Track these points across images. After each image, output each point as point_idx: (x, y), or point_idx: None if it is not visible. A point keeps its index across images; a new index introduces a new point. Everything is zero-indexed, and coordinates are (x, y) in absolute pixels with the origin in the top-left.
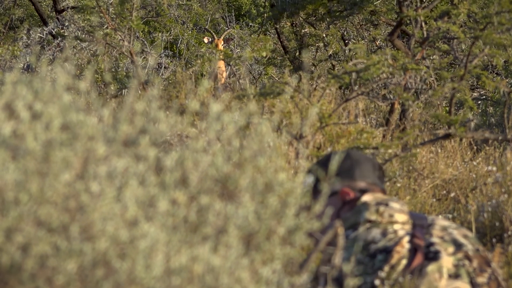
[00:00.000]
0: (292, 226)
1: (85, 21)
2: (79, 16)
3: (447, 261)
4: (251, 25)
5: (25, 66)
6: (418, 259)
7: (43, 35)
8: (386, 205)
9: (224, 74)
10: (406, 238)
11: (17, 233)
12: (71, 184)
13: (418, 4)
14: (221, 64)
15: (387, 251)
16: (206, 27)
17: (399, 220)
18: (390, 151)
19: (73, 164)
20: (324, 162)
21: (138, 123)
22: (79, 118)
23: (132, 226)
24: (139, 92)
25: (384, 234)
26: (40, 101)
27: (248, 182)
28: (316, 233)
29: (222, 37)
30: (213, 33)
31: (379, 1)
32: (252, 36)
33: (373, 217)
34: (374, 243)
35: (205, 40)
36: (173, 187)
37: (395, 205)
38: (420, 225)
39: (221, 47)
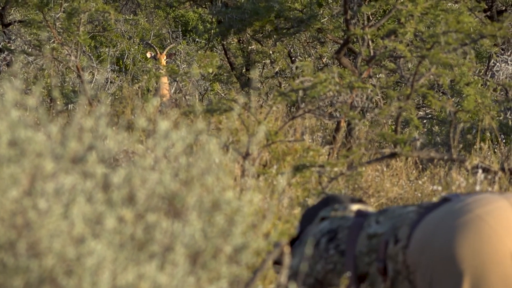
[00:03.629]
0: (239, 244)
1: (32, 35)
2: (26, 30)
3: None
4: (198, 41)
5: None
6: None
7: None
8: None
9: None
10: (352, 214)
11: None
12: (18, 200)
13: (365, 22)
14: (165, 79)
15: (331, 232)
16: (150, 41)
17: (353, 209)
18: (336, 169)
19: (20, 181)
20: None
21: (86, 140)
22: (27, 135)
23: (79, 243)
24: (85, 107)
25: (332, 222)
26: None
27: (195, 200)
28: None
29: (165, 52)
30: (156, 48)
31: (326, 19)
32: (199, 52)
33: (327, 214)
34: (320, 232)
35: (148, 55)
36: (121, 204)
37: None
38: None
39: (164, 62)
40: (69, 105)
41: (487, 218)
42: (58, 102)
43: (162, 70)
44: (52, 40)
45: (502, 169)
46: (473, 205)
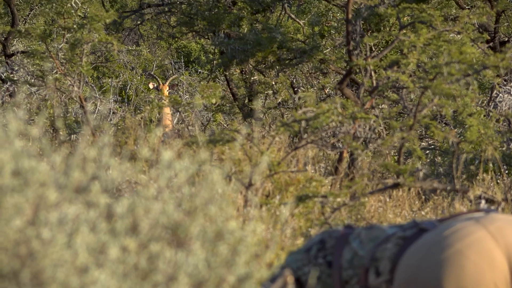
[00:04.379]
0: (242, 274)
1: (35, 66)
2: (29, 60)
3: None
4: (200, 72)
5: None
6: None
7: None
8: None
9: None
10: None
11: None
12: (22, 230)
13: (368, 53)
14: (168, 110)
15: (322, 242)
16: (152, 72)
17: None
18: (338, 199)
19: (24, 210)
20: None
21: (90, 170)
22: (31, 164)
23: (82, 273)
24: (88, 138)
25: (323, 233)
26: None
27: (198, 230)
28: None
29: (167, 83)
30: (159, 79)
31: (328, 50)
32: (201, 82)
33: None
34: (312, 240)
35: (151, 85)
36: (124, 234)
37: None
38: None
39: (166, 93)
40: (72, 136)
41: (468, 253)
42: (61, 133)
43: (165, 100)
44: (55, 71)
45: (505, 200)
46: (452, 239)
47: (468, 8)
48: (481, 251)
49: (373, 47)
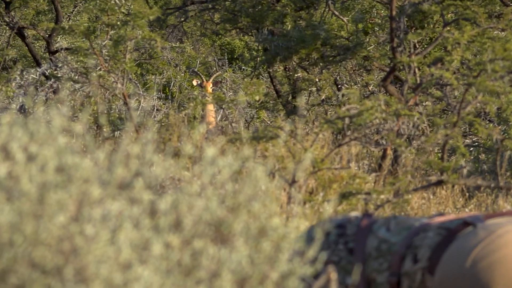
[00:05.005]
0: (286, 271)
1: (78, 63)
2: (73, 57)
3: None
4: (244, 69)
5: (17, 107)
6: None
7: (36, 76)
8: None
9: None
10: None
11: (11, 274)
12: (65, 226)
13: (412, 50)
14: (211, 106)
15: (341, 226)
16: (196, 69)
17: None
18: (382, 196)
19: (68, 207)
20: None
21: (133, 166)
22: (74, 161)
23: (126, 269)
24: (132, 134)
25: (342, 217)
26: (35, 143)
27: (242, 227)
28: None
29: (211, 80)
30: (202, 76)
31: (372, 47)
32: (245, 79)
33: None
34: (331, 223)
35: (194, 82)
36: (167, 230)
37: None
38: None
39: (210, 89)
40: (116, 132)
41: None
42: (104, 129)
43: (208, 97)
44: (99, 68)
45: None
46: (505, 238)
47: None
48: None
49: (417, 44)
